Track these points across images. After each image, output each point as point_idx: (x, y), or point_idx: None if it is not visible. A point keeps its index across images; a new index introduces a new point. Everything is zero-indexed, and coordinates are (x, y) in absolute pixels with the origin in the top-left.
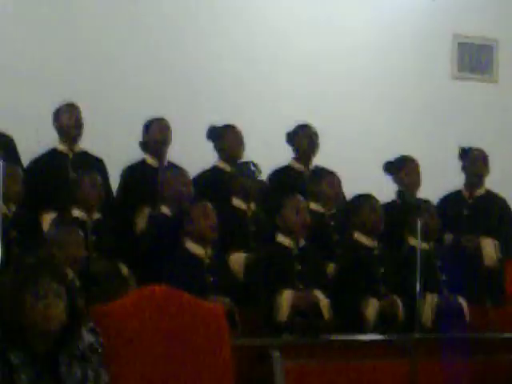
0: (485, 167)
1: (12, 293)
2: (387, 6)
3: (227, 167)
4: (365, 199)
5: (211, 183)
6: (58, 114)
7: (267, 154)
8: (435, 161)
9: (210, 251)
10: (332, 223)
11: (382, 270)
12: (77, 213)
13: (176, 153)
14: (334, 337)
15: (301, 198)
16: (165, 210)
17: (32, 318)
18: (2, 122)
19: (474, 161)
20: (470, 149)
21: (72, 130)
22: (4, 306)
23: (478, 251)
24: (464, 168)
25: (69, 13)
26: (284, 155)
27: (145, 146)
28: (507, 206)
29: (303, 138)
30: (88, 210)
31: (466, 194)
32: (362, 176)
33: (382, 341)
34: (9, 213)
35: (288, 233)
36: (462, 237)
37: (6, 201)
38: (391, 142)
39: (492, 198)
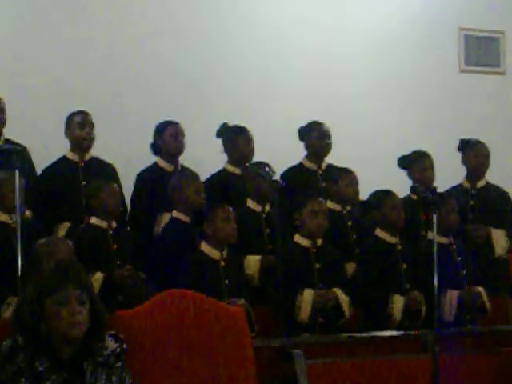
0: (487, 160)
1: (35, 301)
2: (392, 3)
3: (236, 170)
4: (385, 195)
5: (221, 187)
6: (70, 124)
7: (278, 154)
8: (446, 155)
9: (224, 253)
10: (349, 222)
11: (405, 266)
12: (97, 222)
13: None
14: (355, 334)
15: (320, 200)
16: (176, 214)
17: (56, 325)
18: (15, 132)
19: (476, 153)
20: (470, 141)
21: (84, 141)
22: (28, 314)
23: (487, 242)
24: (465, 160)
25: (81, 22)
26: (295, 156)
27: (157, 148)
28: (508, 198)
29: (316, 138)
30: (108, 218)
31: (467, 185)
32: (374, 174)
33: (403, 336)
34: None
35: (306, 234)
36: (466, 226)
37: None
38: (402, 139)
39: (494, 189)
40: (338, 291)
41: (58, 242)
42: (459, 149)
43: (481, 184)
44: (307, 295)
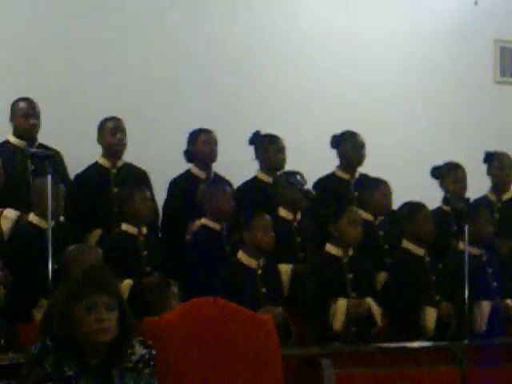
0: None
1: (63, 307)
2: (428, 13)
3: (268, 178)
4: (417, 208)
5: (252, 195)
6: (102, 130)
7: (309, 162)
8: (477, 166)
9: (261, 262)
10: (381, 232)
11: (434, 278)
12: (127, 228)
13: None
14: (384, 344)
15: (356, 209)
16: (205, 222)
17: (84, 331)
18: (49, 137)
19: (501, 165)
20: (495, 152)
21: (116, 147)
22: (56, 319)
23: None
24: (491, 172)
25: (114, 27)
26: (326, 165)
27: (190, 155)
28: None
29: (350, 148)
30: (139, 225)
31: (492, 198)
32: (403, 183)
33: (433, 347)
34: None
35: (342, 244)
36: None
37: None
38: (433, 148)
39: None
40: (370, 301)
41: (87, 249)
42: (485, 161)
43: (506, 196)
44: (341, 304)
